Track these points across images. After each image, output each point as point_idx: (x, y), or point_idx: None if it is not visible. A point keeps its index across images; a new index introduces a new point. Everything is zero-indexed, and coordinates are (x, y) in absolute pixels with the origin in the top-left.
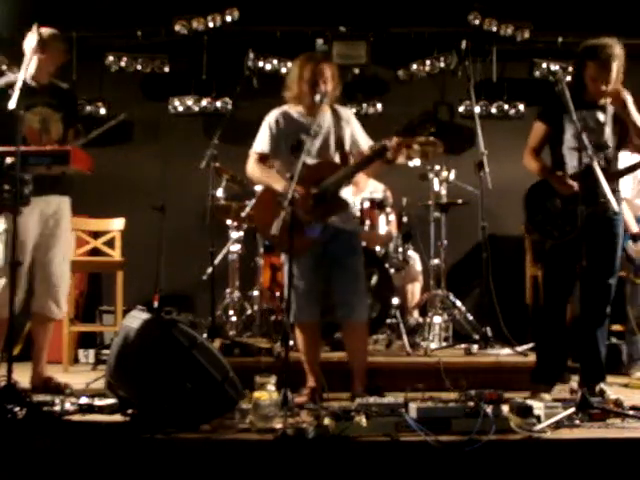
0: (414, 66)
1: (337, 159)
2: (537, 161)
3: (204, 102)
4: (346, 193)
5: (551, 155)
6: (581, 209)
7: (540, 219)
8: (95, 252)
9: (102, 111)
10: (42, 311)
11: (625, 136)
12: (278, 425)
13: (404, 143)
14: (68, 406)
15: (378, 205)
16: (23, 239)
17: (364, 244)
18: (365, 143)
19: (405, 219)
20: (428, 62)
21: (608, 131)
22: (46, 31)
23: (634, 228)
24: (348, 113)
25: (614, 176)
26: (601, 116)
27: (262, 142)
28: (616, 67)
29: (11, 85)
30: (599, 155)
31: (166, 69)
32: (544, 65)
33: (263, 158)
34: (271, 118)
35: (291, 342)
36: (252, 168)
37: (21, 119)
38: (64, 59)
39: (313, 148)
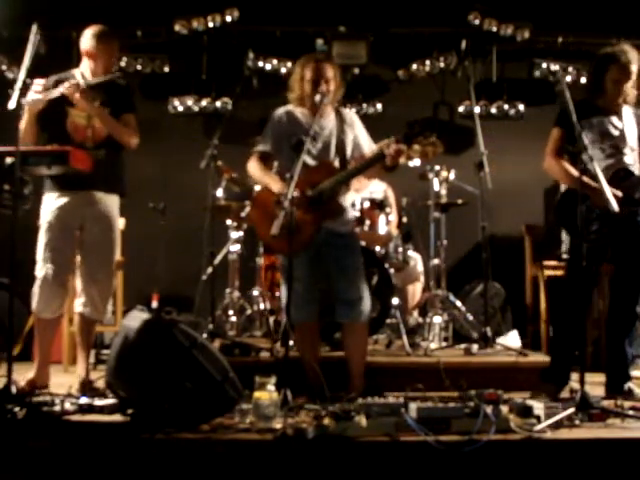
0: (414, 66)
1: (337, 162)
2: (563, 166)
3: (204, 102)
4: (346, 199)
5: (570, 162)
6: (581, 209)
7: (576, 223)
8: None
9: None
10: (83, 313)
11: None
12: (278, 425)
13: (402, 151)
14: (68, 406)
15: (378, 205)
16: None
17: (364, 244)
18: (368, 147)
19: (405, 219)
20: (428, 62)
21: (629, 134)
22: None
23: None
24: (352, 116)
25: None
26: (618, 122)
27: (264, 141)
28: (635, 69)
29: (61, 80)
30: (621, 157)
31: (166, 69)
32: (544, 65)
33: (264, 156)
34: (275, 117)
35: (291, 342)
36: (252, 166)
37: (20, 118)
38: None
39: (313, 150)
